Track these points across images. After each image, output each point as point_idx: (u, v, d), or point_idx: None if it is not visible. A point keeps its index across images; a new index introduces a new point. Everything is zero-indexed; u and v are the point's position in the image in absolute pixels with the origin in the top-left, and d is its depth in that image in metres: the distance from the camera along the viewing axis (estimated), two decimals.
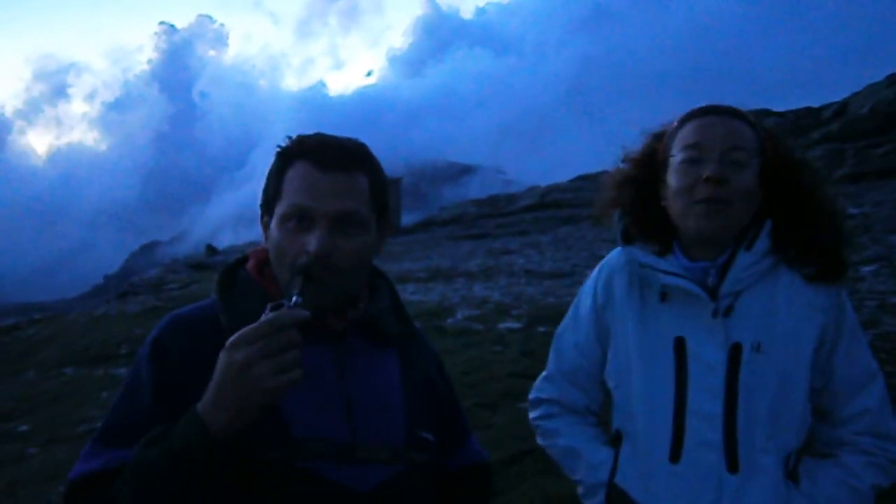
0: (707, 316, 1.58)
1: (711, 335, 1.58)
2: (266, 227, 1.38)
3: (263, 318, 1.07)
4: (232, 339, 1.07)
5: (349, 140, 1.37)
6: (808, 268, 1.58)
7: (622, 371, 1.71)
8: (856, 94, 27.11)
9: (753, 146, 1.58)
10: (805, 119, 27.52)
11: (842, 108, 26.88)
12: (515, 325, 9.99)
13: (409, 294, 14.21)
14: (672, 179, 1.62)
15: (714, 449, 1.56)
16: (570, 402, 1.84)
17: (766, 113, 27.07)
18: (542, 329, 9.45)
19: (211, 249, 34.83)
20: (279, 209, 1.31)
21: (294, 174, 1.31)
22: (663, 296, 1.65)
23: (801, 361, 1.56)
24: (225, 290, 1.36)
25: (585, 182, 35.16)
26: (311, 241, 1.26)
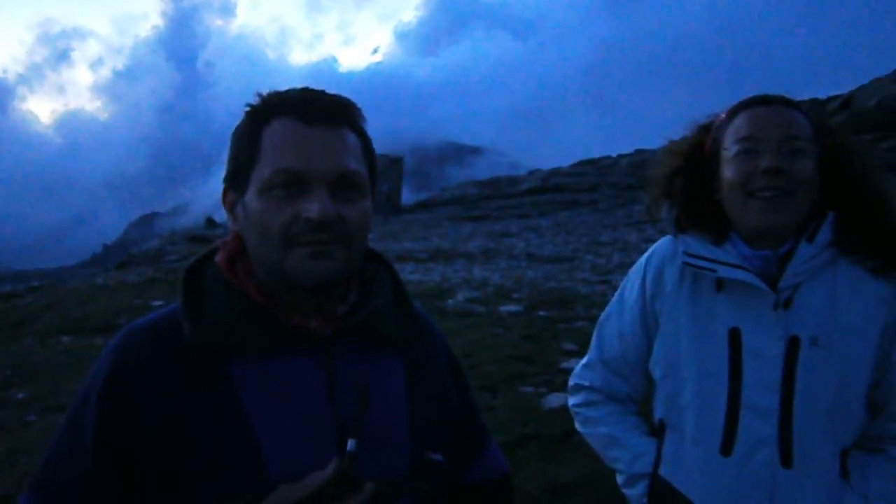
0: (766, 308, 1.55)
1: (769, 328, 1.54)
2: (232, 205, 1.16)
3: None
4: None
5: (335, 94, 1.15)
6: (873, 260, 1.54)
7: (671, 361, 1.68)
8: (862, 88, 26.99)
9: (810, 135, 1.55)
10: (810, 110, 27.36)
11: (847, 100, 26.76)
12: (516, 308, 9.99)
13: (408, 273, 14.19)
14: (727, 173, 1.57)
15: (769, 444, 1.54)
16: (612, 391, 1.82)
17: None
18: (542, 313, 9.46)
19: (211, 222, 34.73)
20: (258, 176, 1.09)
21: (274, 132, 1.10)
22: (719, 285, 1.61)
23: (862, 356, 1.53)
24: (189, 293, 1.14)
25: (587, 167, 35.08)
26: (311, 207, 1.06)
